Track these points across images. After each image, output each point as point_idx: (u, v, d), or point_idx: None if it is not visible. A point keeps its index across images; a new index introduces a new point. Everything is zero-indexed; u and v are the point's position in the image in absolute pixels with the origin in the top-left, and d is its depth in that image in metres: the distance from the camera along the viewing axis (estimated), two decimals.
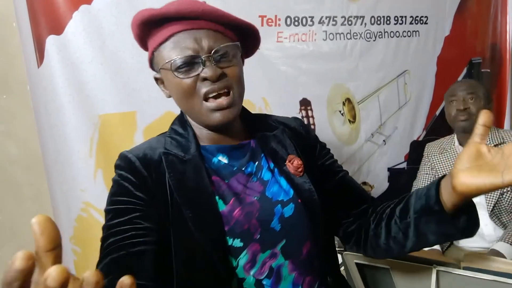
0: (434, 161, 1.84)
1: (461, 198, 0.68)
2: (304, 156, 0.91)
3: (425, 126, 2.33)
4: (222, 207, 0.80)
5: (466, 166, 0.66)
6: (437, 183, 0.76)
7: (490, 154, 0.64)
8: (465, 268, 1.00)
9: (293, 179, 0.87)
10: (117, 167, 0.84)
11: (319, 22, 1.89)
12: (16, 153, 1.50)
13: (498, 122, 2.63)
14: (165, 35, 0.79)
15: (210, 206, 0.80)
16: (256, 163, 0.89)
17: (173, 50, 0.79)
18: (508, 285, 0.94)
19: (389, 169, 2.22)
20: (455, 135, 1.81)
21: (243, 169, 0.87)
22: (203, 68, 0.78)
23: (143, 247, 0.74)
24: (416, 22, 2.19)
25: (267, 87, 1.77)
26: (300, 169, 0.88)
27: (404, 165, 2.27)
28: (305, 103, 1.89)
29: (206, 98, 0.80)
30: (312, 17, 1.86)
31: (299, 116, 1.88)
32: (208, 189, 0.81)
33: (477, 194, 0.65)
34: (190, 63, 0.78)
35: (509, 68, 2.59)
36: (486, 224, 1.71)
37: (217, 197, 0.81)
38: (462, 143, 1.76)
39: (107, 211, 0.81)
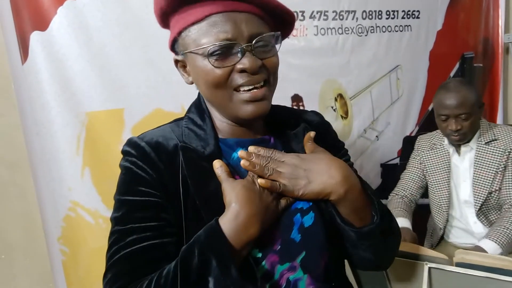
0: (424, 156, 1.83)
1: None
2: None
3: (417, 121, 2.32)
4: None
5: None
6: None
7: None
8: (457, 265, 0.99)
9: None
10: (127, 153, 0.77)
11: (310, 17, 1.87)
12: (0, 151, 1.46)
13: (491, 117, 2.63)
14: (201, 15, 0.70)
15: None
16: None
17: (209, 34, 0.70)
18: (501, 281, 0.93)
19: (382, 165, 2.21)
20: None
21: None
22: (241, 58, 0.70)
23: (174, 248, 0.71)
24: (408, 16, 2.18)
25: None
26: None
27: (397, 160, 2.26)
28: (296, 99, 1.87)
29: (237, 89, 0.73)
30: (303, 12, 1.84)
31: None
32: None
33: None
34: (227, 51, 0.70)
35: (501, 63, 2.59)
36: (475, 222, 1.71)
37: None
38: (452, 144, 1.74)
39: (122, 201, 0.75)
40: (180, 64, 0.79)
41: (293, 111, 0.93)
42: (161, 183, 0.74)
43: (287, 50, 1.82)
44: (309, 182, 0.73)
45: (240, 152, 0.74)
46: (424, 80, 2.31)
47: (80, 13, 1.36)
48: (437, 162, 1.79)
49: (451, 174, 1.75)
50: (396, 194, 1.86)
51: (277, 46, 0.77)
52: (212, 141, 0.78)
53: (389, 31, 2.12)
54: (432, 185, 1.81)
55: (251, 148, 0.76)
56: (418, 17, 2.21)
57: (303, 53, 1.86)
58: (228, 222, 0.67)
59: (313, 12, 1.86)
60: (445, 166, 1.76)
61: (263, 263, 0.74)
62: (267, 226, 0.73)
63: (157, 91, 1.48)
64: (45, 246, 1.47)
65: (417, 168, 1.86)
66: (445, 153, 1.77)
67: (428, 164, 1.81)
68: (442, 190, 1.77)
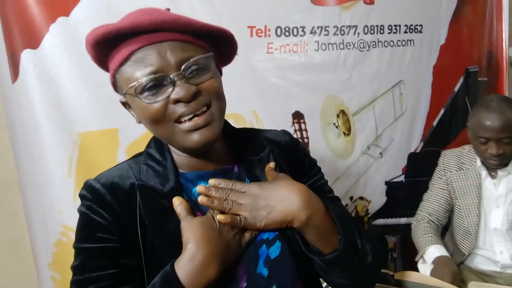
0: (452, 177, 1.68)
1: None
2: (292, 176, 0.80)
3: (422, 137, 2.26)
4: None
5: None
6: None
7: None
8: None
9: None
10: (83, 197, 0.74)
11: (311, 32, 1.82)
12: None
13: None
14: (124, 55, 0.68)
15: None
16: None
17: (135, 71, 0.67)
18: None
19: (386, 183, 2.14)
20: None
21: None
22: (173, 88, 0.67)
23: None
24: (411, 31, 2.13)
25: (258, 100, 1.70)
26: None
27: (402, 178, 2.19)
28: (297, 116, 1.82)
29: (178, 121, 0.69)
30: (303, 27, 1.80)
31: (292, 130, 1.81)
32: None
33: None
34: (157, 84, 0.67)
35: (506, 76, 2.54)
36: (501, 251, 1.60)
37: None
38: (486, 166, 1.61)
39: (79, 249, 0.71)
40: (127, 105, 0.76)
41: (257, 133, 0.89)
42: (119, 226, 0.70)
43: (288, 66, 1.78)
44: (270, 212, 0.71)
45: (199, 188, 0.72)
46: (428, 95, 2.26)
47: (73, 30, 1.32)
48: (467, 185, 1.64)
49: (481, 198, 1.62)
50: (421, 219, 1.70)
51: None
52: (172, 177, 0.75)
53: (392, 46, 2.07)
54: (459, 209, 1.66)
55: (211, 182, 0.73)
56: (421, 32, 2.17)
57: (304, 69, 1.82)
58: (184, 265, 0.65)
59: (313, 27, 1.82)
60: (476, 190, 1.62)
61: None
62: (230, 263, 0.69)
63: None
64: (35, 272, 1.41)
65: (444, 189, 1.71)
66: (476, 175, 1.63)
67: (456, 186, 1.66)
68: (471, 216, 1.62)
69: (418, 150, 2.24)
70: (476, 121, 1.53)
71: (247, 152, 0.82)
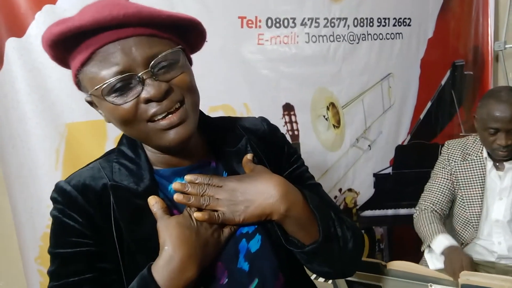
0: (456, 168, 1.67)
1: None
2: (271, 166, 0.79)
3: (409, 130, 2.28)
4: None
5: None
6: None
7: None
8: (463, 287, 0.94)
9: None
10: (54, 201, 0.71)
11: (301, 24, 1.82)
12: None
13: None
14: (86, 54, 0.62)
15: None
16: None
17: (100, 71, 0.62)
18: None
19: (374, 175, 2.16)
20: (484, 147, 1.63)
21: None
22: (143, 87, 0.63)
23: None
24: (399, 24, 2.14)
25: (249, 92, 1.69)
26: None
27: (389, 170, 2.22)
28: (288, 108, 1.82)
29: (151, 120, 0.65)
30: (294, 19, 1.79)
31: (282, 122, 1.80)
32: None
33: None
34: (125, 85, 0.63)
35: (491, 70, 2.58)
36: (500, 242, 1.61)
37: None
38: (492, 158, 1.61)
39: (54, 255, 0.69)
40: (94, 104, 0.71)
41: (233, 122, 0.86)
42: (93, 229, 0.68)
43: (279, 58, 1.77)
44: (248, 206, 0.70)
45: (174, 185, 0.70)
46: (415, 88, 2.28)
47: (59, 18, 1.27)
48: (471, 175, 1.64)
49: (485, 189, 1.62)
50: (425, 209, 1.67)
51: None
52: (146, 175, 0.72)
53: (381, 39, 2.08)
54: (462, 199, 1.65)
55: (187, 177, 0.71)
56: (409, 25, 2.18)
57: (294, 61, 1.81)
58: (161, 268, 0.63)
59: (304, 19, 1.82)
60: (480, 181, 1.61)
61: None
62: (210, 261, 0.68)
63: None
64: (22, 266, 1.38)
65: (447, 179, 1.69)
66: (481, 166, 1.63)
67: (460, 176, 1.66)
68: (474, 207, 1.62)
69: (405, 143, 2.27)
70: (485, 112, 1.51)
71: (223, 144, 0.80)
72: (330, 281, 1.23)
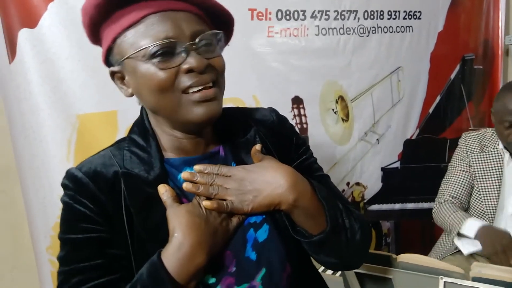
0: (474, 159, 1.65)
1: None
2: (279, 157, 0.79)
3: (418, 124, 2.27)
4: None
5: None
6: None
7: None
8: (474, 279, 0.94)
9: None
10: (65, 187, 0.72)
11: (311, 17, 1.81)
12: None
13: (490, 121, 2.59)
14: (136, 17, 0.65)
15: None
16: None
17: (147, 35, 0.65)
18: None
19: (382, 169, 2.16)
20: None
21: None
22: (186, 57, 0.66)
23: (122, 284, 0.66)
24: (410, 17, 2.13)
25: (258, 85, 1.69)
26: None
27: (397, 164, 2.21)
28: (297, 101, 1.81)
29: (186, 91, 0.67)
30: (304, 11, 1.78)
31: (291, 115, 1.80)
32: None
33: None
34: (169, 52, 0.65)
35: (501, 65, 2.56)
36: None
37: None
38: (508, 150, 1.60)
39: (64, 240, 0.70)
40: (117, 76, 0.73)
41: (243, 113, 0.87)
42: (104, 215, 0.69)
43: (288, 50, 1.76)
44: (257, 196, 0.70)
45: (184, 174, 0.71)
46: (425, 82, 2.27)
47: (72, 9, 1.28)
48: (489, 167, 1.63)
49: (502, 182, 1.60)
50: (444, 201, 1.65)
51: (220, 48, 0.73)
52: (157, 163, 0.73)
53: (391, 32, 2.07)
54: (479, 191, 1.64)
55: (196, 167, 0.72)
56: (419, 18, 2.16)
57: (304, 53, 1.80)
58: (170, 255, 0.64)
59: (314, 11, 1.80)
60: (497, 173, 1.60)
61: (218, 287, 0.70)
62: (218, 250, 0.69)
63: None
64: (33, 256, 1.39)
65: (466, 171, 1.67)
66: (499, 158, 1.61)
67: (477, 168, 1.64)
68: (490, 199, 1.60)
69: (414, 137, 2.26)
70: (501, 105, 1.51)
71: (232, 134, 0.81)
72: (339, 274, 1.24)
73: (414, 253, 1.27)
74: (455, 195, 1.65)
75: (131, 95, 0.73)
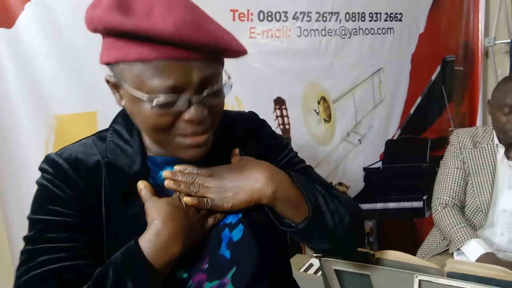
0: (467, 154, 1.66)
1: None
2: (259, 159, 0.80)
3: (399, 124, 2.30)
4: None
5: None
6: None
7: None
8: (449, 275, 0.96)
9: None
10: (44, 171, 0.71)
11: (293, 18, 1.82)
12: None
13: (470, 121, 2.65)
14: (146, 56, 0.60)
15: None
16: None
17: (153, 78, 0.60)
18: None
19: (364, 169, 2.18)
20: (494, 133, 1.64)
21: None
22: (188, 107, 0.64)
23: (90, 270, 0.65)
24: (391, 19, 2.16)
25: (240, 86, 1.69)
26: None
27: (379, 164, 2.24)
28: (279, 102, 1.83)
29: (179, 135, 0.67)
30: (286, 12, 1.79)
31: (274, 116, 1.81)
32: None
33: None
34: (173, 101, 0.63)
35: (481, 66, 2.60)
36: (502, 233, 1.61)
37: None
38: (503, 143, 1.61)
39: (35, 220, 0.68)
40: (114, 86, 0.69)
41: (224, 116, 0.84)
42: (80, 202, 0.68)
43: (271, 51, 1.77)
44: (237, 193, 0.72)
45: (164, 173, 0.71)
46: (406, 83, 2.30)
47: (49, 9, 1.28)
48: (482, 163, 1.63)
49: (495, 177, 1.61)
50: (445, 204, 1.63)
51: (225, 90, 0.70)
52: (138, 158, 0.73)
53: (372, 34, 2.09)
54: (473, 187, 1.63)
55: (176, 168, 0.72)
56: (400, 20, 2.19)
57: (286, 54, 1.82)
58: (148, 240, 0.64)
59: (296, 13, 1.82)
60: (491, 168, 1.61)
61: (190, 283, 0.71)
62: (192, 245, 0.70)
63: None
64: (10, 256, 1.38)
65: (460, 168, 1.66)
66: (493, 153, 1.62)
67: (471, 163, 1.64)
68: (484, 194, 1.60)
69: (395, 137, 2.29)
70: (501, 92, 1.54)
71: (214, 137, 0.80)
72: (320, 273, 1.25)
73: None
74: (453, 195, 1.64)
75: (123, 106, 0.70)
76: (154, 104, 0.62)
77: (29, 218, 0.70)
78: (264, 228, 0.77)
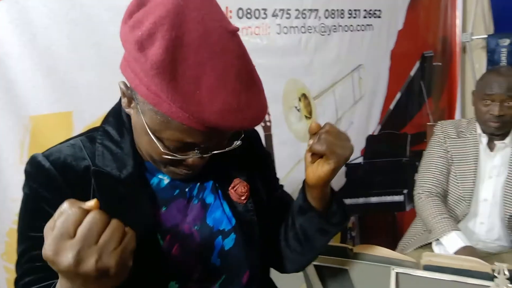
0: (450, 144, 1.68)
1: (315, 190, 0.77)
2: (249, 166, 0.82)
3: (379, 120, 2.33)
4: (160, 244, 0.69)
5: (309, 161, 0.76)
6: (303, 185, 0.80)
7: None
8: (425, 267, 0.98)
9: (235, 206, 0.77)
10: (29, 175, 0.68)
11: (273, 15, 1.82)
12: None
13: (449, 116, 2.69)
14: (178, 119, 0.57)
15: (149, 246, 0.66)
16: (198, 183, 0.77)
17: (176, 133, 0.60)
18: (469, 284, 0.92)
19: (346, 165, 2.20)
20: (477, 123, 1.65)
21: (186, 190, 0.75)
22: (193, 155, 0.65)
23: None
24: (370, 15, 2.17)
25: None
26: (243, 197, 0.78)
27: (360, 160, 2.26)
28: None
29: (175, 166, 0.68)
30: (265, 10, 1.79)
31: None
32: (149, 224, 0.67)
33: (322, 182, 0.75)
34: (183, 153, 0.65)
35: (459, 61, 2.65)
36: (482, 222, 1.63)
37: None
38: (486, 135, 1.63)
39: (26, 236, 0.67)
40: (123, 92, 0.66)
41: None
42: None
43: (250, 48, 1.72)
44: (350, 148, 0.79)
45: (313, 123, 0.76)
46: (385, 79, 2.32)
47: (23, 8, 1.24)
48: (465, 152, 1.65)
49: (478, 167, 1.63)
50: (428, 192, 1.64)
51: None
52: (129, 161, 0.70)
53: (352, 30, 2.11)
54: (456, 176, 1.65)
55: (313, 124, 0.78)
56: (379, 17, 2.21)
57: (266, 52, 1.81)
58: None
59: (275, 10, 1.82)
60: (473, 158, 1.63)
61: None
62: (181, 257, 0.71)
63: (110, 92, 1.36)
64: None
65: (443, 158, 1.68)
66: (475, 143, 1.64)
67: (454, 153, 1.66)
68: (467, 183, 1.62)
69: (375, 133, 2.31)
70: (484, 82, 1.58)
71: None
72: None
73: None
74: (436, 184, 1.65)
75: (128, 112, 0.68)
76: (162, 150, 0.62)
77: (19, 232, 0.68)
78: (256, 238, 0.78)
